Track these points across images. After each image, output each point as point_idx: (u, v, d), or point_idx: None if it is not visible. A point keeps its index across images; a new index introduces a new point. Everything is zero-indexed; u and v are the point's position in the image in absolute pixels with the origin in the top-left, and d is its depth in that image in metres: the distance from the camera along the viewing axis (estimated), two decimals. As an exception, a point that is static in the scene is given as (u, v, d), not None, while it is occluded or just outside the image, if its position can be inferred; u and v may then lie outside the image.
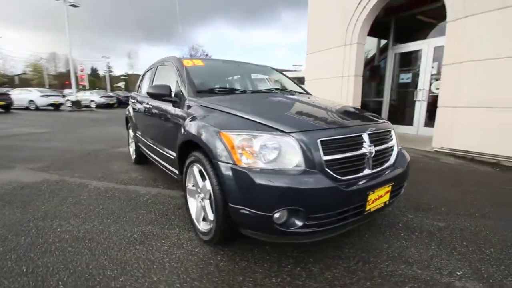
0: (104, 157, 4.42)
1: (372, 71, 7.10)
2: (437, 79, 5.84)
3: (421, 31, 6.23)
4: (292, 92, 2.77)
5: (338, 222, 1.50)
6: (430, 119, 5.82)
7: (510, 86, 3.78)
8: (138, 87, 3.81)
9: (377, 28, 6.28)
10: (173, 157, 2.29)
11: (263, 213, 1.42)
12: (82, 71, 24.89)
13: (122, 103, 23.01)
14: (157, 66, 3.08)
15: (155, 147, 2.74)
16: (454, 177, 3.43)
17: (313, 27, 7.15)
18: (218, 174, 1.55)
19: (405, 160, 1.94)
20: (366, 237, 1.97)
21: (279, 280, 1.51)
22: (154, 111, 2.72)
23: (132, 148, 4.10)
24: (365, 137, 1.67)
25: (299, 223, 1.41)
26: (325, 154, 1.48)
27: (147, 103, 2.92)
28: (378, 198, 1.62)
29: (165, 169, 2.61)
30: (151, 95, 2.35)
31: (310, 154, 1.45)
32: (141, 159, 3.89)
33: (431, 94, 6.01)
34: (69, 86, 21.98)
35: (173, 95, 2.30)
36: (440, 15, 5.73)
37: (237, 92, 2.48)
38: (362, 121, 1.84)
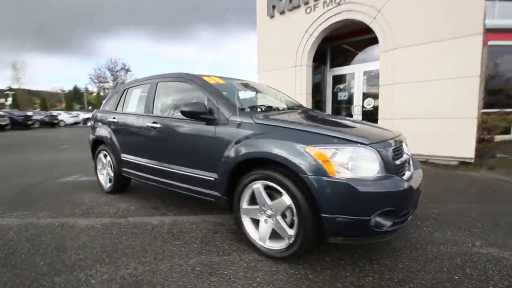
0: (55, 190, 3.60)
1: (316, 89, 8.10)
2: (368, 97, 7.14)
3: (351, 58, 7.55)
4: (302, 108, 3.00)
5: (408, 218, 1.78)
6: (366, 129, 7.01)
7: (428, 102, 5.03)
8: (117, 105, 3.36)
9: (316, 54, 7.26)
10: (213, 179, 2.17)
11: (361, 218, 1.57)
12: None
13: (18, 124, 18.66)
14: (157, 83, 2.83)
15: (172, 170, 2.48)
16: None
17: (263, 49, 7.70)
18: (310, 187, 1.62)
19: (416, 162, 2.41)
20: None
21: (370, 278, 1.67)
22: (173, 130, 2.49)
23: (104, 175, 3.51)
24: (404, 145, 2.05)
25: (389, 222, 1.62)
26: (393, 160, 1.76)
27: (155, 122, 2.63)
28: (418, 195, 1.99)
29: (191, 193, 2.40)
30: (186, 114, 2.18)
31: (386, 161, 1.69)
32: (122, 186, 3.40)
33: (363, 109, 7.28)
34: None
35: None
36: (366, 45, 7.13)
37: (274, 109, 2.55)
38: (394, 133, 2.21)
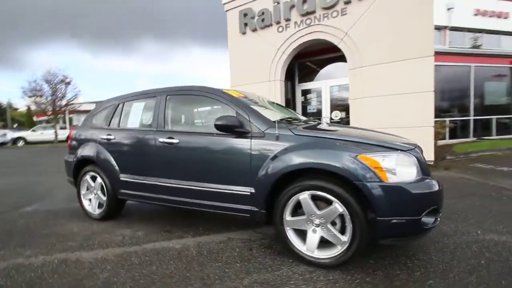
0: (24, 223, 3.04)
1: (286, 103, 8.48)
2: (335, 110, 7.75)
3: (318, 73, 8.17)
4: (317, 120, 3.15)
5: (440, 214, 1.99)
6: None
7: (393, 114, 5.70)
8: (110, 121, 3.03)
9: (287, 69, 7.68)
10: (249, 193, 2.11)
11: (414, 218, 1.71)
12: None
13: None
14: (166, 96, 2.67)
15: (197, 188, 2.33)
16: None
17: (236, 64, 7.83)
18: (366, 193, 1.72)
19: None
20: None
21: (419, 273, 1.80)
22: (197, 146, 2.35)
23: (91, 200, 3.10)
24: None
25: (433, 219, 1.80)
26: (423, 163, 1.97)
27: (170, 138, 2.45)
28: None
29: (220, 211, 2.28)
30: (220, 127, 2.11)
31: (421, 165, 1.89)
32: (116, 211, 3.04)
33: (331, 121, 7.86)
34: None
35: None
36: (332, 61, 7.81)
37: (296, 121, 2.61)
38: (411, 140, 2.44)
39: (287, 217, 2.00)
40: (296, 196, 1.94)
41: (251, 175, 2.10)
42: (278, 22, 6.96)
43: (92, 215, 3.09)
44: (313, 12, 6.44)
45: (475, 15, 13.26)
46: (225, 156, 2.23)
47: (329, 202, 1.87)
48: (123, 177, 2.78)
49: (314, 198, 1.91)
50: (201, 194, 2.34)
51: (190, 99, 2.67)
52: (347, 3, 6.02)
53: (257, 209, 2.11)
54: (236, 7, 7.59)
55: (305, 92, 8.36)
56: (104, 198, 2.97)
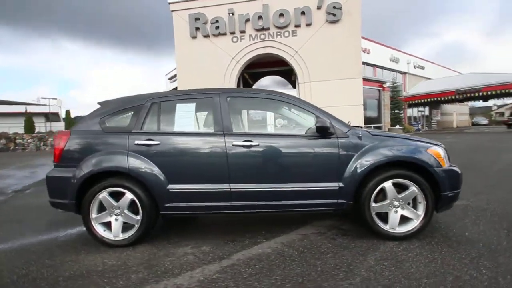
0: (38, 263, 2.14)
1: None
2: (278, 118, 8.59)
3: (266, 83, 8.84)
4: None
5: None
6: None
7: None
8: (142, 123, 2.52)
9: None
10: (337, 188, 2.37)
11: (458, 191, 2.45)
12: None
13: None
14: (227, 98, 2.53)
15: (280, 189, 2.36)
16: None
17: (184, 68, 7.48)
18: (435, 176, 2.33)
19: None
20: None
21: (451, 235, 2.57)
22: (283, 147, 2.39)
23: (112, 224, 2.47)
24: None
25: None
26: None
27: (247, 140, 2.36)
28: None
29: (302, 209, 2.40)
30: (320, 129, 2.27)
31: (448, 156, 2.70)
32: (149, 231, 2.56)
33: (275, 127, 8.66)
34: None
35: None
36: (272, 74, 8.64)
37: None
38: None
39: (372, 203, 2.39)
40: (381, 185, 2.36)
41: (340, 171, 2.37)
42: (233, 32, 7.21)
43: (111, 242, 2.45)
44: (267, 28, 7.07)
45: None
46: (315, 156, 2.40)
47: (405, 187, 2.39)
48: (173, 188, 2.41)
49: (394, 185, 2.39)
50: (285, 195, 2.40)
51: (256, 102, 2.64)
52: (297, 26, 6.98)
53: (344, 201, 2.39)
54: (185, 9, 7.32)
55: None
56: (137, 217, 2.44)
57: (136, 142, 2.45)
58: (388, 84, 16.07)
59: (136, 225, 2.46)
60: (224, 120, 2.48)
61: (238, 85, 8.65)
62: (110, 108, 2.68)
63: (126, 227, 2.50)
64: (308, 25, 6.80)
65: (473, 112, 49.42)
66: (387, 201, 2.39)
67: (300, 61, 7.04)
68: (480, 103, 34.81)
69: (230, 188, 2.39)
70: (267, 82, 8.98)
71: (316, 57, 6.95)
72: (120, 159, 2.42)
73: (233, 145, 2.40)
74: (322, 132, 2.37)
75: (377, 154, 2.36)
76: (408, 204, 2.41)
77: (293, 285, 1.76)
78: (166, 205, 2.43)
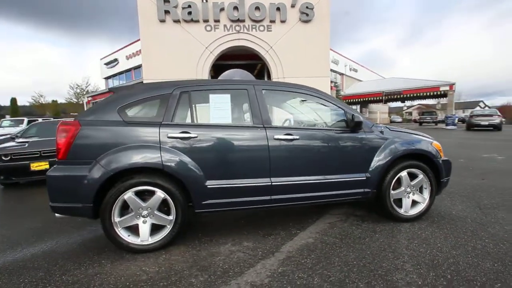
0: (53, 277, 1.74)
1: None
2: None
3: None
4: None
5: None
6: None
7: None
8: (173, 115, 2.26)
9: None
10: (364, 178, 2.59)
11: (449, 177, 2.96)
12: None
13: None
14: (262, 90, 2.48)
15: (317, 181, 2.45)
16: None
17: (151, 55, 6.82)
18: (437, 165, 2.76)
19: None
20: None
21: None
22: (320, 141, 2.48)
23: (139, 227, 2.20)
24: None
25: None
26: None
27: (288, 134, 2.37)
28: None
29: (334, 199, 2.56)
30: (358, 124, 2.43)
31: None
32: (181, 232, 2.38)
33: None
34: None
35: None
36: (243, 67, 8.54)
37: None
38: None
39: (391, 191, 2.70)
40: (398, 174, 2.69)
41: (367, 163, 2.61)
42: (206, 21, 6.87)
43: (139, 248, 2.19)
44: (243, 20, 6.96)
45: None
46: (348, 149, 2.57)
47: (414, 175, 2.77)
48: (211, 184, 2.27)
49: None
50: (322, 187, 2.52)
51: (288, 95, 2.65)
52: (272, 21, 7.06)
53: (369, 190, 2.64)
54: (152, -11, 6.62)
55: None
56: (170, 218, 2.23)
57: (170, 134, 2.21)
58: (333, 84, 17.69)
59: (168, 226, 2.25)
60: (263, 113, 2.44)
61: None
62: (131, 96, 2.33)
63: (155, 228, 2.25)
64: (283, 21, 6.97)
65: (390, 111, 58.07)
66: (402, 188, 2.73)
67: (274, 57, 7.18)
68: (395, 104, 41.38)
69: (271, 182, 2.38)
70: (230, 75, 8.86)
71: (289, 54, 7.19)
72: (152, 154, 2.15)
73: (274, 138, 2.38)
74: (355, 127, 2.55)
75: (397, 147, 2.66)
76: (417, 190, 2.81)
77: (360, 269, 1.90)
78: (203, 202, 2.28)
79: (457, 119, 20.43)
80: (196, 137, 2.26)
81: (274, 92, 2.62)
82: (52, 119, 11.38)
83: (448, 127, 19.52)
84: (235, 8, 6.86)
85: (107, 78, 24.56)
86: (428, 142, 2.81)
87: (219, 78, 8.44)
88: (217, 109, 2.42)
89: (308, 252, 2.15)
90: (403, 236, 2.43)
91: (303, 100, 2.83)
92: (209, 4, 6.72)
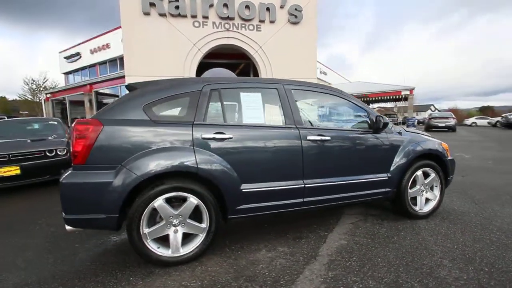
0: None
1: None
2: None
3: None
4: None
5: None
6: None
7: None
8: (205, 114, 2.09)
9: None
10: (386, 177, 2.66)
11: (453, 175, 3.18)
12: None
13: None
14: (291, 90, 2.41)
15: (346, 182, 2.45)
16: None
17: (133, 50, 6.34)
18: (446, 164, 2.94)
19: None
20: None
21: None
22: (348, 142, 2.46)
23: (170, 238, 1.99)
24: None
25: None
26: None
27: (321, 135, 2.33)
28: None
29: (358, 199, 2.58)
30: (384, 124, 2.47)
31: None
32: (214, 240, 2.22)
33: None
34: None
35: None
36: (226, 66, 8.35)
37: None
38: None
39: (408, 190, 2.81)
40: (415, 173, 2.81)
41: (389, 163, 2.68)
42: (194, 16, 6.59)
43: (171, 260, 1.99)
44: (232, 18, 6.80)
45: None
46: (374, 150, 2.61)
47: (426, 174, 2.91)
48: (246, 188, 2.15)
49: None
50: (350, 187, 2.53)
51: (313, 95, 2.61)
52: (261, 21, 7.01)
53: (390, 189, 2.72)
54: (135, -22, 6.17)
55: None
56: (203, 226, 2.06)
57: (204, 135, 2.04)
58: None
59: (200, 235, 2.07)
60: (294, 113, 2.38)
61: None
62: (157, 92, 2.10)
63: (187, 238, 2.06)
64: (272, 22, 6.94)
65: (354, 113, 61.44)
66: (418, 187, 2.86)
67: (263, 57, 7.13)
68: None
69: (304, 184, 2.33)
70: (215, 74, 8.64)
71: (278, 55, 7.20)
72: (186, 157, 1.96)
73: (308, 139, 2.33)
74: (380, 128, 2.60)
75: (414, 148, 2.78)
76: (429, 188, 2.96)
77: (406, 269, 1.93)
78: (238, 207, 2.14)
79: (416, 121, 22.26)
80: (231, 138, 2.11)
81: (302, 92, 2.57)
82: (6, 118, 10.10)
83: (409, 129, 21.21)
84: (225, 5, 6.67)
85: (67, 73, 22.38)
86: (438, 143, 2.98)
87: (202, 76, 8.17)
88: (249, 108, 2.30)
89: (348, 254, 2.14)
90: (426, 233, 2.53)
91: (327, 101, 2.82)
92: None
